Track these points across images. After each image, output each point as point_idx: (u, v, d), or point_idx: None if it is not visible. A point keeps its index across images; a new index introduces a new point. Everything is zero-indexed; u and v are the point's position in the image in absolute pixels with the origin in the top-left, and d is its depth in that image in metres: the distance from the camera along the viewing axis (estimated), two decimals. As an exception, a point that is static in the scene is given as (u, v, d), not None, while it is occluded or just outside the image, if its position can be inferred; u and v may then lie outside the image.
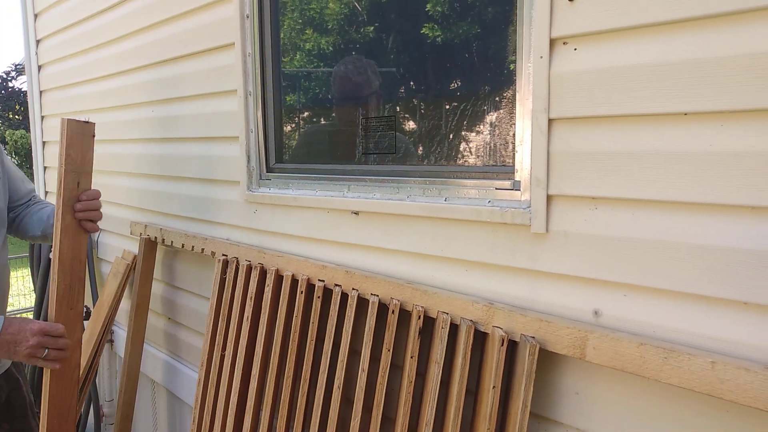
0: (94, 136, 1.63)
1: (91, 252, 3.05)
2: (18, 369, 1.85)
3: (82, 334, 2.62)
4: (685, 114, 0.98)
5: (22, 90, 15.31)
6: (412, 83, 1.50)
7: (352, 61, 1.65)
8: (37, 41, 3.33)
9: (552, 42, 1.12)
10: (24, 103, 14.66)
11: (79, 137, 1.59)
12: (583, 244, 1.11)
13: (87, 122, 1.60)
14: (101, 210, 1.67)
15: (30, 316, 4.48)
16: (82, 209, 1.60)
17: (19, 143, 15.99)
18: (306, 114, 1.84)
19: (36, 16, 3.32)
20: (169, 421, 2.56)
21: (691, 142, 0.97)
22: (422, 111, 1.47)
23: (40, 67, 3.37)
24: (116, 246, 2.80)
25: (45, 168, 3.46)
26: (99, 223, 1.80)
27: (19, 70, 15.29)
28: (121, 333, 2.88)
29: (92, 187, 1.75)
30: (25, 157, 15.50)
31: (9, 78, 15.21)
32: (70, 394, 1.65)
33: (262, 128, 1.85)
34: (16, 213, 1.85)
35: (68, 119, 1.57)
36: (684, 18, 0.96)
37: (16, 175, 1.85)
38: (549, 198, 1.15)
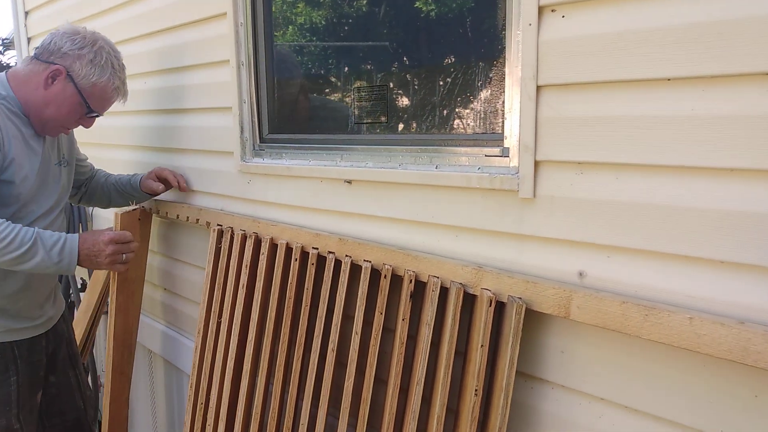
0: (140, 219, 1.99)
1: (87, 225, 3.07)
2: (66, 322, 2.03)
3: (89, 319, 2.66)
4: (669, 79, 1.00)
5: (10, 65, 15.11)
6: (403, 53, 1.52)
7: None
8: (26, 12, 3.30)
9: (540, 9, 1.14)
10: (12, 79, 14.46)
11: (129, 224, 1.91)
12: (568, 208, 1.15)
13: (135, 209, 1.93)
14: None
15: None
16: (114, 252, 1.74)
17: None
18: (298, 85, 1.85)
19: (24, -13, 3.28)
20: (166, 389, 2.62)
21: (674, 107, 1.00)
22: (414, 81, 1.49)
23: (29, 39, 3.34)
24: (111, 218, 2.82)
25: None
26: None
27: (7, 44, 15.06)
28: (118, 305, 2.91)
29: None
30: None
31: (-4, 53, 15.00)
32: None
33: (255, 99, 1.87)
34: (86, 186, 2.17)
35: (121, 213, 1.90)
36: (669, -16, 0.98)
37: (80, 156, 2.13)
38: (536, 164, 1.18)
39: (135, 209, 1.92)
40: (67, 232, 1.69)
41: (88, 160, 2.19)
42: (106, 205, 2.22)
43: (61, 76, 1.69)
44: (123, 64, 1.86)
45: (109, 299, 2.06)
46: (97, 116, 1.84)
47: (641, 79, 1.03)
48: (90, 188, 2.17)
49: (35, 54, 1.73)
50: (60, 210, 1.87)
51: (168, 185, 2.13)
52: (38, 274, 1.74)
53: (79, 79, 1.71)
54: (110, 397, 2.00)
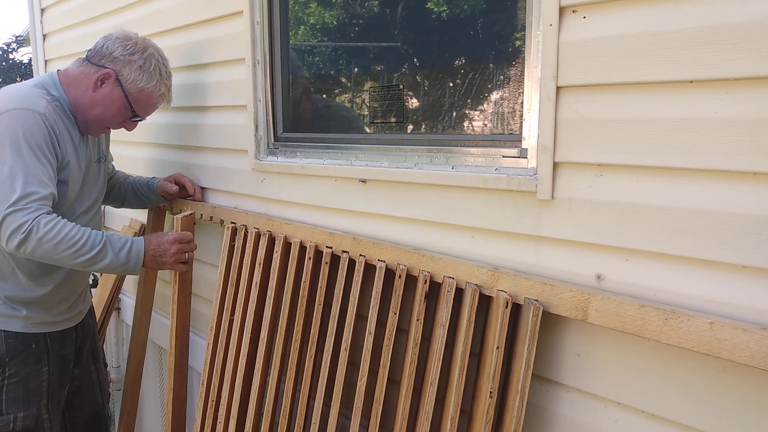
0: (195, 223, 2.02)
1: (99, 221, 3.08)
2: (92, 316, 2.11)
3: (100, 315, 2.68)
4: (691, 81, 0.99)
5: (23, 62, 15.21)
6: (420, 52, 1.51)
7: None
8: (42, 9, 3.32)
9: (561, 10, 1.13)
10: (25, 75, 14.58)
11: (188, 226, 1.94)
12: (587, 210, 1.14)
13: (191, 213, 1.98)
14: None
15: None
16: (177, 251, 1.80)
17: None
18: (314, 84, 1.85)
19: (40, -16, 3.30)
20: (176, 386, 2.62)
21: (696, 110, 0.99)
22: (430, 81, 1.48)
23: (45, 36, 3.36)
24: (123, 215, 2.83)
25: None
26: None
27: (20, 41, 15.18)
28: (129, 301, 2.93)
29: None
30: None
31: (10, 50, 15.11)
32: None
33: (270, 97, 1.87)
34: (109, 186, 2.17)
35: (181, 217, 1.93)
36: (693, -14, 0.97)
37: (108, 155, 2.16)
38: (555, 165, 1.17)
39: (191, 213, 1.97)
40: None
41: (112, 161, 2.22)
42: (119, 205, 2.24)
43: (110, 80, 1.74)
44: (170, 72, 1.90)
45: (172, 300, 2.08)
46: (141, 120, 1.88)
47: (663, 81, 1.02)
48: (107, 186, 2.17)
49: (87, 56, 1.79)
50: (98, 207, 1.93)
51: (184, 192, 2.14)
52: (77, 271, 1.81)
53: (127, 84, 1.75)
54: (172, 395, 2.04)
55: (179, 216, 1.93)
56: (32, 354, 1.75)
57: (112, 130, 1.97)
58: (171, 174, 2.18)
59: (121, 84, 1.75)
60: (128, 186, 2.18)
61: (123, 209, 2.85)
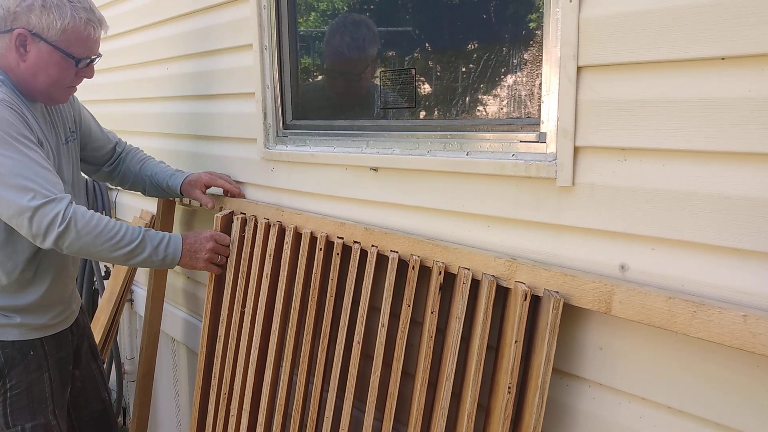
0: (231, 221, 1.90)
1: (110, 212, 3.07)
2: (84, 314, 2.01)
3: (113, 307, 2.67)
4: (723, 58, 0.93)
5: None
6: (432, 36, 1.45)
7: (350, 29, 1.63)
8: None
9: (582, -15, 1.06)
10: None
11: (225, 226, 1.87)
12: (610, 197, 1.08)
13: (230, 212, 1.89)
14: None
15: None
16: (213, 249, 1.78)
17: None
18: (320, 71, 1.80)
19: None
20: (189, 377, 2.62)
21: (728, 88, 0.93)
22: (442, 64, 1.43)
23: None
24: (134, 206, 2.81)
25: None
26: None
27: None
28: (141, 292, 2.92)
29: None
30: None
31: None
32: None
33: (279, 84, 1.82)
34: (114, 167, 2.03)
35: (221, 216, 1.86)
36: (726, -45, 0.90)
37: (97, 134, 1.98)
38: (576, 150, 1.12)
39: (230, 212, 1.89)
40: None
41: (110, 138, 2.02)
42: (142, 193, 2.10)
43: (28, 39, 1.51)
44: None
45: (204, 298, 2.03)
46: (93, 61, 1.64)
47: (692, 58, 0.96)
48: (123, 173, 2.03)
49: None
50: (73, 188, 1.78)
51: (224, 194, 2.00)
52: (67, 269, 1.76)
53: (45, 33, 1.51)
54: (200, 393, 2.02)
55: (219, 215, 1.86)
56: (32, 362, 1.68)
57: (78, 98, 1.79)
58: (193, 173, 1.96)
59: (41, 36, 1.51)
60: (146, 178, 2.01)
61: (131, 199, 2.84)
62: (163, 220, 2.37)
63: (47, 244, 1.47)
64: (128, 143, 2.09)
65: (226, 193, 1.98)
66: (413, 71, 1.47)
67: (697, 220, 0.98)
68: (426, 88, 1.47)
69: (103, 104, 2.88)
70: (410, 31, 1.49)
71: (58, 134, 1.72)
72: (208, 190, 1.97)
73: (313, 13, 1.76)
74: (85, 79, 1.66)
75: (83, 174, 1.97)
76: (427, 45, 1.46)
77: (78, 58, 1.57)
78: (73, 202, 1.50)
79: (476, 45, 1.34)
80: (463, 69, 1.37)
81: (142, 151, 2.09)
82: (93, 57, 1.63)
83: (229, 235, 1.85)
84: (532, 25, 1.21)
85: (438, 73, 1.44)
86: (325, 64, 1.75)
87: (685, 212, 0.99)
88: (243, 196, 1.99)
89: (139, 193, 2.10)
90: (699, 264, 1.00)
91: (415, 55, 1.47)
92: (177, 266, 1.69)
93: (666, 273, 1.03)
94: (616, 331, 1.11)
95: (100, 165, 2.01)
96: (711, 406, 1.00)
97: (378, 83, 1.57)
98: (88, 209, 1.54)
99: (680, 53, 0.96)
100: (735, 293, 0.96)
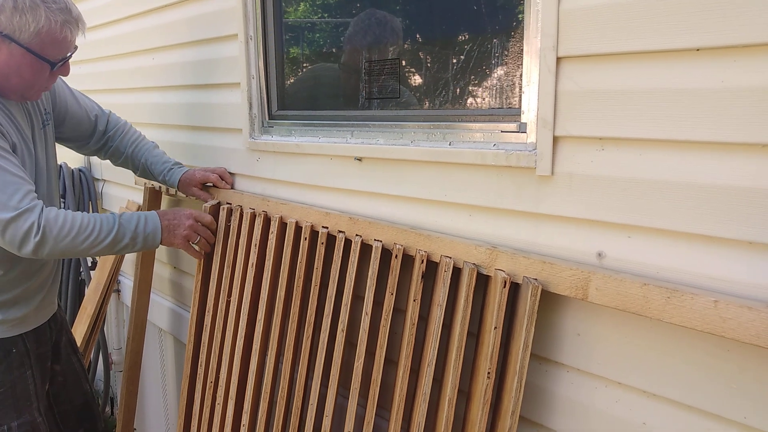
0: (219, 212, 1.89)
1: (96, 203, 3.06)
2: (60, 308, 1.98)
3: (99, 297, 2.66)
4: (697, 50, 0.95)
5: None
6: (415, 26, 1.46)
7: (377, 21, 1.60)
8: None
9: (562, -24, 1.08)
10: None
11: (212, 215, 1.86)
12: (588, 186, 1.10)
13: (218, 203, 1.88)
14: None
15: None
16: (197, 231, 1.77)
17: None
18: (308, 61, 1.80)
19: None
20: (177, 367, 2.62)
21: (702, 79, 0.95)
22: (426, 55, 1.44)
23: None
24: (120, 196, 2.81)
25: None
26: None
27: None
28: (128, 282, 2.92)
29: None
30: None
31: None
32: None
33: (264, 74, 1.82)
34: (102, 145, 1.97)
35: (210, 206, 1.84)
36: (700, -53, 0.92)
37: (74, 109, 1.89)
38: (555, 139, 1.13)
39: (218, 202, 1.88)
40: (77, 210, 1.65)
41: (88, 111, 1.93)
42: (133, 173, 2.05)
43: None
44: None
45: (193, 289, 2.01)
46: (68, 58, 1.57)
47: (668, 49, 0.98)
48: (112, 152, 1.99)
49: None
50: (48, 172, 1.72)
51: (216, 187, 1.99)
52: (37, 261, 1.69)
53: (17, 35, 1.43)
54: (188, 382, 2.04)
55: (207, 205, 1.86)
56: (15, 359, 1.65)
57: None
58: (188, 171, 1.95)
59: (12, 39, 1.43)
60: (139, 164, 1.97)
61: (117, 190, 2.83)
62: (149, 210, 2.36)
63: (24, 254, 1.45)
64: (120, 118, 2.02)
65: (217, 188, 1.98)
66: (398, 62, 1.48)
67: (672, 209, 1.01)
68: (410, 79, 1.48)
69: (90, 95, 2.85)
70: (396, 13, 1.49)
71: (34, 121, 1.67)
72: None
73: (302, 4, 1.75)
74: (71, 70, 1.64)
75: (74, 152, 1.96)
76: (411, 36, 1.47)
77: (53, 61, 1.52)
78: (44, 209, 1.45)
79: (459, 36, 1.35)
80: (447, 60, 1.38)
81: (133, 127, 2.04)
82: (69, 54, 1.57)
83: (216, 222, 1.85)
84: (514, 16, 1.23)
85: (422, 64, 1.45)
86: (342, 57, 1.71)
87: (661, 201, 1.02)
88: (232, 187, 1.99)
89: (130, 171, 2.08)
90: (674, 251, 1.02)
91: (402, 44, 1.48)
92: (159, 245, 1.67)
93: (642, 260, 1.06)
94: (593, 317, 1.13)
95: (84, 139, 1.95)
96: (684, 389, 1.03)
97: (363, 74, 1.58)
98: (59, 207, 1.49)
99: (657, 44, 0.98)
100: (708, 280, 0.99)
